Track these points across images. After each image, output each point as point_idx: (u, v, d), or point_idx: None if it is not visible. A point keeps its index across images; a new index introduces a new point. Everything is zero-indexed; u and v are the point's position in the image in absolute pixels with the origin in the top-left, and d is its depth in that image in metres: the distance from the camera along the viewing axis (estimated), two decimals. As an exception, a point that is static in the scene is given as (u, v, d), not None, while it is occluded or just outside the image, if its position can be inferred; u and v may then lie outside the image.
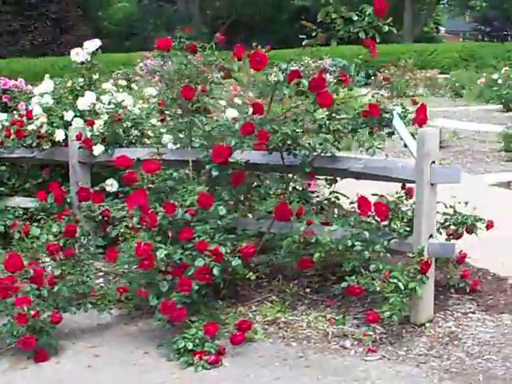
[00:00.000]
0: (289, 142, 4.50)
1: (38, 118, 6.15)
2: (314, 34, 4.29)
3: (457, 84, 21.56)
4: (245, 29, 39.89)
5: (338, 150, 4.49)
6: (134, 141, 5.95)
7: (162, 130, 5.80)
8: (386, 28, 4.19)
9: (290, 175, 4.84)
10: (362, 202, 4.41)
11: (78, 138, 5.91)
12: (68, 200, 5.96)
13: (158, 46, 4.96)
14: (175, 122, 5.18)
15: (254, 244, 4.32)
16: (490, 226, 4.58)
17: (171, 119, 5.36)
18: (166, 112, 5.49)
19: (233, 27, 40.09)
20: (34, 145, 6.33)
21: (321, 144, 4.46)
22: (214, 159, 4.65)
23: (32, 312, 4.05)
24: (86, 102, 6.19)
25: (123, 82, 6.87)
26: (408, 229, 4.37)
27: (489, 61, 27.08)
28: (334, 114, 4.44)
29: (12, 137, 6.38)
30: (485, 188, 8.20)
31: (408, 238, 4.36)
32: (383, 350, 4.11)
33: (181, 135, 5.13)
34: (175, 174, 4.86)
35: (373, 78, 20.06)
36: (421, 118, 4.43)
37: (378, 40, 4.18)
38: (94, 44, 6.39)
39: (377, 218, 4.38)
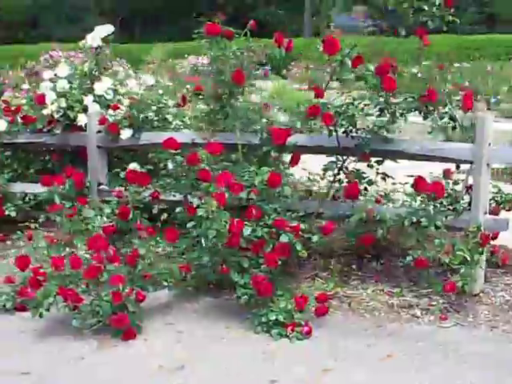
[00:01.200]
0: (349, 125, 4.70)
1: (53, 103, 6.08)
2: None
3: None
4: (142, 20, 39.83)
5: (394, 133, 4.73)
6: (155, 125, 5.98)
7: (188, 114, 5.91)
8: (451, 18, 4.47)
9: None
10: (420, 181, 4.68)
11: (102, 122, 5.92)
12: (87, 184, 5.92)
13: (207, 31, 5.04)
14: (215, 107, 5.27)
15: (332, 222, 4.51)
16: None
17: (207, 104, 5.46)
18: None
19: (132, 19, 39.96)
20: (45, 130, 6.24)
21: (381, 127, 4.68)
22: (275, 141, 4.81)
23: (126, 290, 4.09)
24: (103, 86, 6.19)
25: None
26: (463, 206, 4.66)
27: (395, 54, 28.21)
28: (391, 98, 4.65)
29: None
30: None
31: (463, 214, 4.66)
32: (452, 317, 4.40)
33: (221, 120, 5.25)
34: (233, 156, 4.97)
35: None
36: (468, 104, 4.74)
37: (444, 29, 4.45)
38: (106, 29, 6.39)
39: (434, 195, 4.64)
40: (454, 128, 4.79)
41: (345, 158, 5.01)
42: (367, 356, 3.91)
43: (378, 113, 4.72)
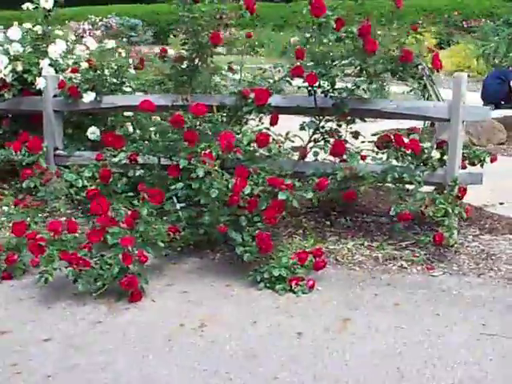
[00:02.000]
0: (330, 86, 4.85)
1: (6, 67, 5.89)
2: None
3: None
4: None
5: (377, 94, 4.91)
6: (112, 89, 5.91)
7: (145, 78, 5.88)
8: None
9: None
10: (398, 138, 4.90)
11: (61, 85, 5.80)
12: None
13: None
14: (191, 68, 5.28)
15: (325, 178, 4.65)
16: (493, 159, 5.24)
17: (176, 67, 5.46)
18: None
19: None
20: (-6, 95, 6.05)
21: (359, 87, 4.85)
22: (256, 101, 4.89)
23: (136, 251, 4.10)
24: (58, 49, 6.05)
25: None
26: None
27: (277, 21, 28.56)
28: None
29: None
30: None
31: (438, 169, 4.93)
32: (438, 267, 4.66)
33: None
34: (216, 117, 5.00)
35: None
36: (437, 64, 4.99)
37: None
38: (56, -9, 6.21)
39: (412, 151, 4.88)
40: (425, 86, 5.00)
41: (321, 118, 5.12)
42: (377, 305, 4.09)
43: (357, 73, 4.84)
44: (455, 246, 4.93)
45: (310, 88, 4.94)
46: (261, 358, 3.46)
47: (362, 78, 4.88)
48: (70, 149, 5.95)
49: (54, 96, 5.90)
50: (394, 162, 4.99)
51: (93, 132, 5.95)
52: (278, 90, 4.99)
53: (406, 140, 5.06)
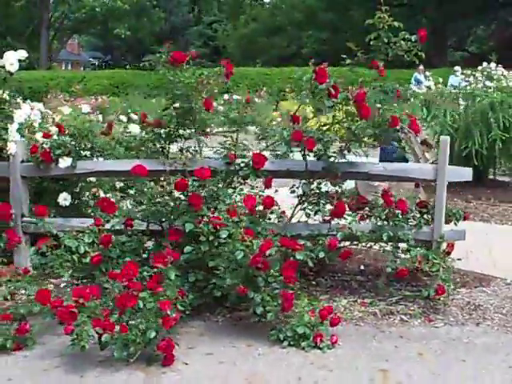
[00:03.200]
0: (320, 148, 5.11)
1: (-29, 132, 5.73)
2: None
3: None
4: None
5: (366, 157, 5.22)
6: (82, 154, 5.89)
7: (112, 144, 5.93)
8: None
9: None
10: (387, 197, 5.22)
11: (33, 150, 5.71)
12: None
13: (174, 59, 5.17)
14: (176, 134, 5.40)
15: (336, 238, 4.85)
16: (466, 217, 5.66)
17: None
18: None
19: None
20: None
21: (349, 151, 5.15)
22: (255, 166, 5.07)
23: (174, 315, 4.12)
24: (23, 114, 5.97)
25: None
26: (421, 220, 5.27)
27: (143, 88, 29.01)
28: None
29: None
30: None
31: (423, 227, 5.26)
32: (435, 319, 4.95)
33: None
34: (215, 181, 5.10)
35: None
36: (416, 128, 5.39)
37: (418, 62, 5.04)
38: (21, 54, 6.13)
39: (397, 210, 5.19)
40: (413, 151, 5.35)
41: (311, 180, 5.34)
42: (403, 356, 4.31)
43: (350, 138, 5.13)
44: (442, 299, 5.20)
45: (303, 152, 5.14)
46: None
47: (353, 142, 5.12)
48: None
49: (21, 161, 5.78)
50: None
51: (65, 198, 5.87)
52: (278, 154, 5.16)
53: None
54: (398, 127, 5.18)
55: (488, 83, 14.04)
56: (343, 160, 5.24)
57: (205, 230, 4.72)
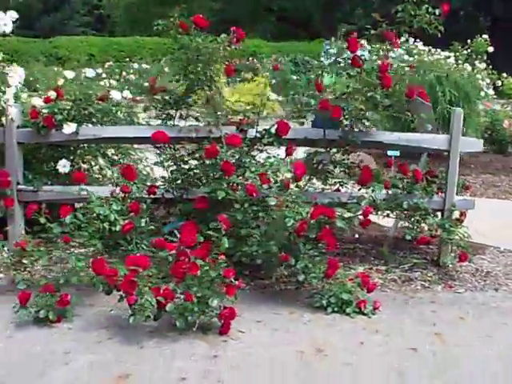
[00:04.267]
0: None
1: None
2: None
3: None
4: None
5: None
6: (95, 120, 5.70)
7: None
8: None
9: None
10: (403, 167, 5.34)
11: (34, 115, 5.47)
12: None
13: (197, 23, 5.07)
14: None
15: (369, 207, 4.91)
16: (469, 187, 5.85)
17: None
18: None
19: None
20: None
21: (368, 119, 5.23)
22: (279, 133, 5.07)
23: (237, 282, 4.08)
24: (17, 77, 5.68)
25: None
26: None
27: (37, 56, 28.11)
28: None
29: None
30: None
31: (434, 196, 5.42)
32: (454, 285, 5.12)
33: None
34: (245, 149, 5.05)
35: None
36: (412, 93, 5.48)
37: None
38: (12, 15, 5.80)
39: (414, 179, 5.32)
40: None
41: (328, 149, 5.38)
42: (446, 320, 4.43)
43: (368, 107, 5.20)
44: (450, 265, 5.38)
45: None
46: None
47: (372, 111, 5.17)
48: (36, 183, 5.55)
49: (22, 127, 5.52)
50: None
51: (64, 165, 5.63)
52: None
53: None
54: (412, 98, 5.25)
55: (406, 57, 14.46)
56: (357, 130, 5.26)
57: (239, 197, 4.66)
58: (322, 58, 16.85)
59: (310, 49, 24.53)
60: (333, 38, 6.77)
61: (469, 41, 13.53)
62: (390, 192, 5.21)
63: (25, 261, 5.20)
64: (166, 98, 5.47)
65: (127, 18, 41.91)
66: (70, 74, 5.81)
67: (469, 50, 13.08)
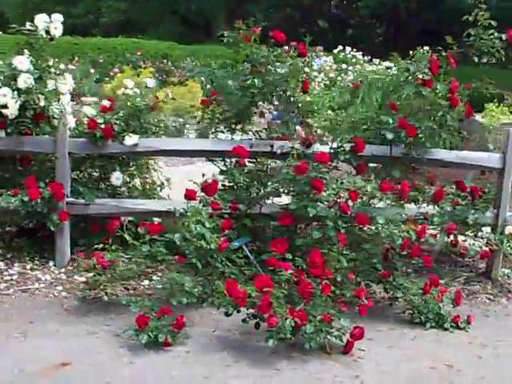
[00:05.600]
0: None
1: (17, 101, 5.16)
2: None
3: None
4: None
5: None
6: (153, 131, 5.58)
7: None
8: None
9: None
10: (461, 184, 5.53)
11: (92, 126, 5.30)
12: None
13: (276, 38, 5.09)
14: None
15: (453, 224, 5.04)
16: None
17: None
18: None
19: None
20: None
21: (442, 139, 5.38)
22: (356, 150, 5.15)
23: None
24: (68, 84, 5.51)
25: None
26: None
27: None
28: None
29: None
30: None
31: (486, 212, 5.62)
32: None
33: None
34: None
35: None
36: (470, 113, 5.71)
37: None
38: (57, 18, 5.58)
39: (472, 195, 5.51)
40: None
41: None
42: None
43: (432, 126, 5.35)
44: (500, 278, 5.60)
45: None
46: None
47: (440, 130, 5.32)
48: (87, 196, 5.36)
49: (74, 137, 5.34)
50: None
51: (117, 177, 5.47)
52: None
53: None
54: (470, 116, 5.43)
55: (344, 66, 14.87)
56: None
57: (331, 214, 4.70)
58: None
59: (227, 53, 24.44)
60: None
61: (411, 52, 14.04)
62: (456, 208, 5.33)
63: (78, 278, 5.04)
64: (227, 110, 5.39)
65: (22, 16, 40.41)
66: (130, 83, 5.59)
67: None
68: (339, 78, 13.29)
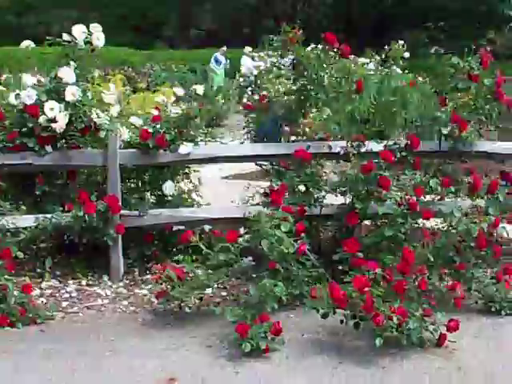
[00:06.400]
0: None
1: (66, 115, 5.08)
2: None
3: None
4: None
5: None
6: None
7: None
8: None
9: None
10: (507, 175, 5.62)
11: (145, 136, 5.24)
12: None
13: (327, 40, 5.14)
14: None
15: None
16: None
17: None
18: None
19: None
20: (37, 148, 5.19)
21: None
22: (413, 148, 5.21)
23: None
24: (113, 95, 5.45)
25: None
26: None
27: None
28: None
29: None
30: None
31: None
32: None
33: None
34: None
35: None
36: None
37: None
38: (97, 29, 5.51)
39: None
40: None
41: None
42: None
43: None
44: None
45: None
46: None
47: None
48: (140, 207, 5.29)
49: (124, 147, 5.28)
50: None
51: (170, 187, 5.42)
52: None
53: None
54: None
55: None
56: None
57: (399, 211, 4.75)
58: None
59: (187, 57, 24.35)
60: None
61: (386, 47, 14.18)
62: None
63: (139, 290, 5.00)
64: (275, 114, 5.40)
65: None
66: (179, 92, 5.53)
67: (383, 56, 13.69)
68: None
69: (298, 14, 31.03)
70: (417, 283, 4.10)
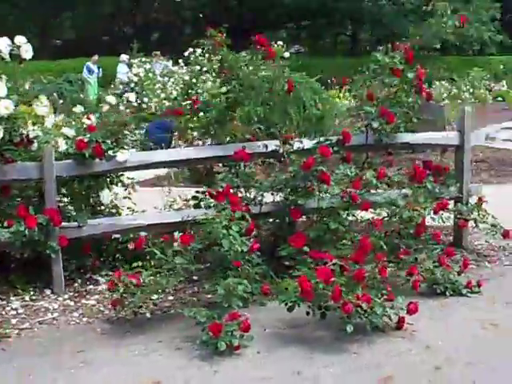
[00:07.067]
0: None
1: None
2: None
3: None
4: None
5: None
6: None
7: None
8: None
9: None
10: (430, 164, 5.97)
11: (82, 146, 5.21)
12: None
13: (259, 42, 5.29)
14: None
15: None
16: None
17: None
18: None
19: None
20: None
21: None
22: (344, 141, 5.45)
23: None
24: (45, 107, 5.38)
25: None
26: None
27: None
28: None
29: None
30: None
31: (450, 187, 6.06)
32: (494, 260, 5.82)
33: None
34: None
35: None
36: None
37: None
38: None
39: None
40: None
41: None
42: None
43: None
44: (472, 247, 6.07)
45: (366, 127, 5.61)
46: None
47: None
48: (79, 218, 5.25)
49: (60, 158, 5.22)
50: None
51: (107, 195, 5.40)
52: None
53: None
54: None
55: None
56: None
57: (342, 204, 4.96)
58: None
59: (53, 68, 23.78)
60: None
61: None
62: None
63: (86, 301, 4.95)
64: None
65: None
66: (112, 100, 5.49)
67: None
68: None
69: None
70: (377, 270, 4.25)
